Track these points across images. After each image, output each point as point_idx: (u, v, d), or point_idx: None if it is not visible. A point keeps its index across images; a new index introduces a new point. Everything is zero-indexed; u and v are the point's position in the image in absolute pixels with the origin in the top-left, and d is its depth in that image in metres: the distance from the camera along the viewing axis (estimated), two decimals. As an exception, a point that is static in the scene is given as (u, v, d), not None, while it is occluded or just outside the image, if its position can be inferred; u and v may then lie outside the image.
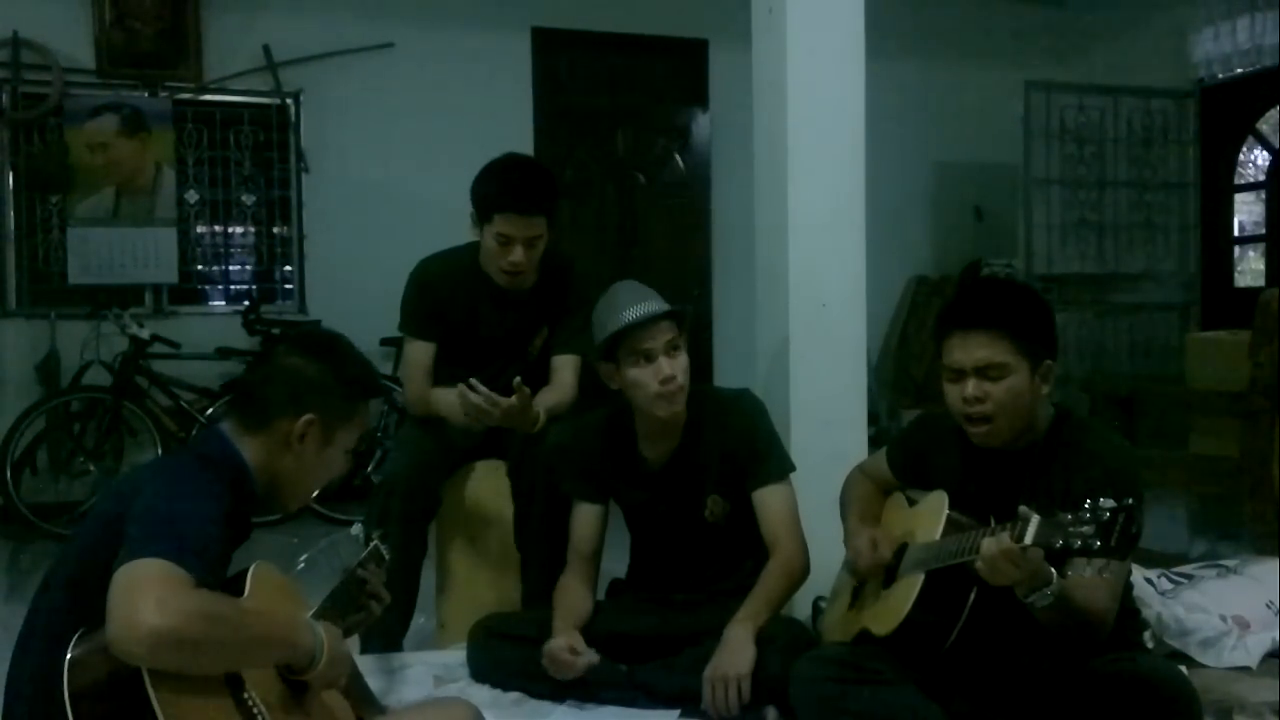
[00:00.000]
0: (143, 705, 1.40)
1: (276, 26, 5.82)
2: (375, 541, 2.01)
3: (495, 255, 2.86)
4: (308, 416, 1.75)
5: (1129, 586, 2.20)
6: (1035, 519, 1.75)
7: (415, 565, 2.88)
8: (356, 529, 2.12)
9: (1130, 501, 1.66)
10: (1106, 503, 1.66)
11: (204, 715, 1.46)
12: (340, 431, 1.81)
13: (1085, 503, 1.68)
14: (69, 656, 1.45)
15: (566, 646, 2.44)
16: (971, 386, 2.04)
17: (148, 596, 1.38)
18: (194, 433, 5.21)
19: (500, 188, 2.85)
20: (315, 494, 1.89)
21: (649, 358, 2.46)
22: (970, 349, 2.04)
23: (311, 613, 1.76)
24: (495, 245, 2.85)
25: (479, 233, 2.90)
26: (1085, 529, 1.66)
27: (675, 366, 2.47)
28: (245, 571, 1.66)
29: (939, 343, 2.12)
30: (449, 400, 2.85)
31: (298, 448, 1.76)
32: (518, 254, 2.84)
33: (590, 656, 2.45)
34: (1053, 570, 1.83)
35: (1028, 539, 1.75)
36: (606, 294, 2.55)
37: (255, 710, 1.52)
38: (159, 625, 1.37)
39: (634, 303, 2.46)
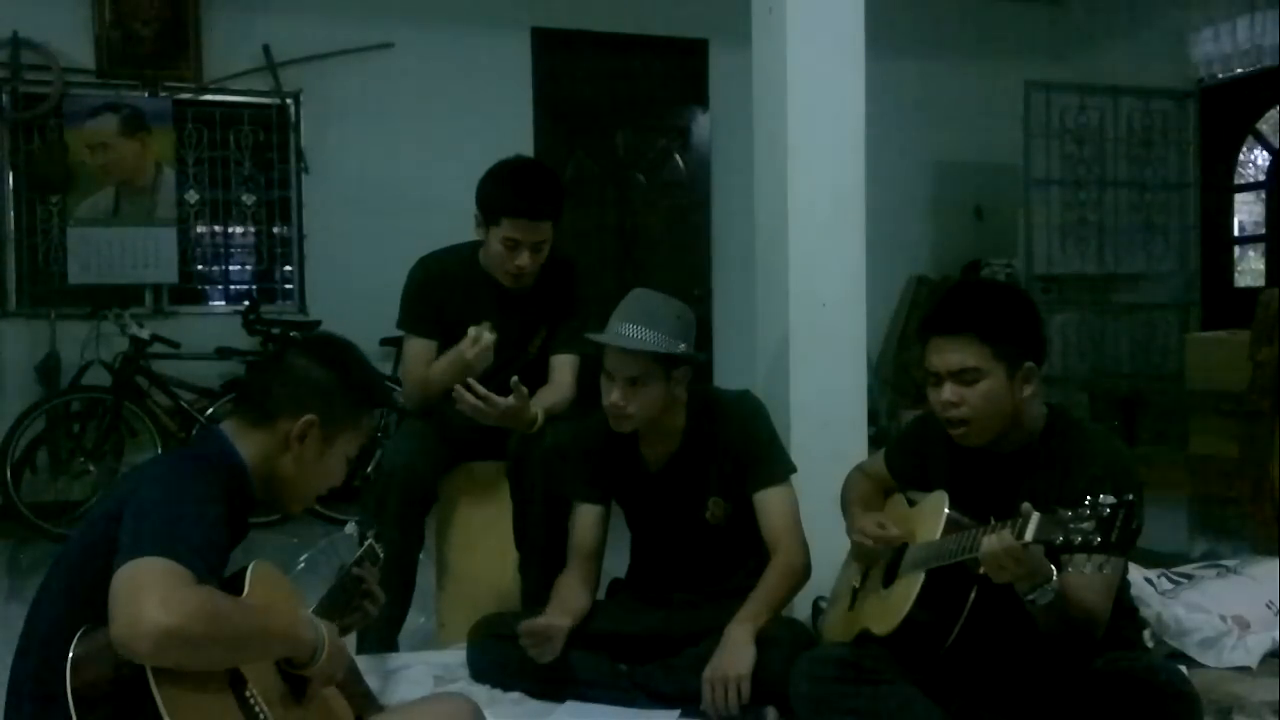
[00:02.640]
0: (146, 703, 1.40)
1: (276, 26, 5.83)
2: (370, 540, 2.02)
3: (502, 259, 2.87)
4: (308, 417, 1.75)
5: (1126, 585, 2.20)
6: (1036, 516, 1.76)
7: (411, 558, 2.87)
8: (351, 527, 2.12)
9: (1130, 497, 1.67)
10: (1106, 499, 1.66)
11: (206, 712, 1.46)
12: (341, 437, 1.82)
13: (1085, 499, 1.68)
14: (71, 655, 1.45)
15: (543, 622, 2.44)
16: (947, 391, 2.05)
17: (151, 594, 1.38)
18: (194, 433, 5.21)
19: (509, 192, 2.85)
20: (314, 499, 1.90)
21: (609, 377, 2.48)
22: (944, 354, 2.05)
23: (312, 609, 1.76)
24: (502, 249, 2.85)
25: (484, 234, 2.90)
26: (1086, 525, 1.67)
27: (625, 398, 2.45)
28: (244, 570, 1.67)
29: (922, 347, 2.13)
30: (445, 365, 2.86)
31: (296, 448, 1.76)
32: (524, 258, 2.84)
33: (561, 623, 2.44)
34: (1053, 567, 1.83)
35: (1028, 536, 1.76)
36: (634, 292, 2.55)
37: (257, 707, 1.52)
38: (164, 623, 1.37)
39: (632, 321, 2.45)
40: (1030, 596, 1.84)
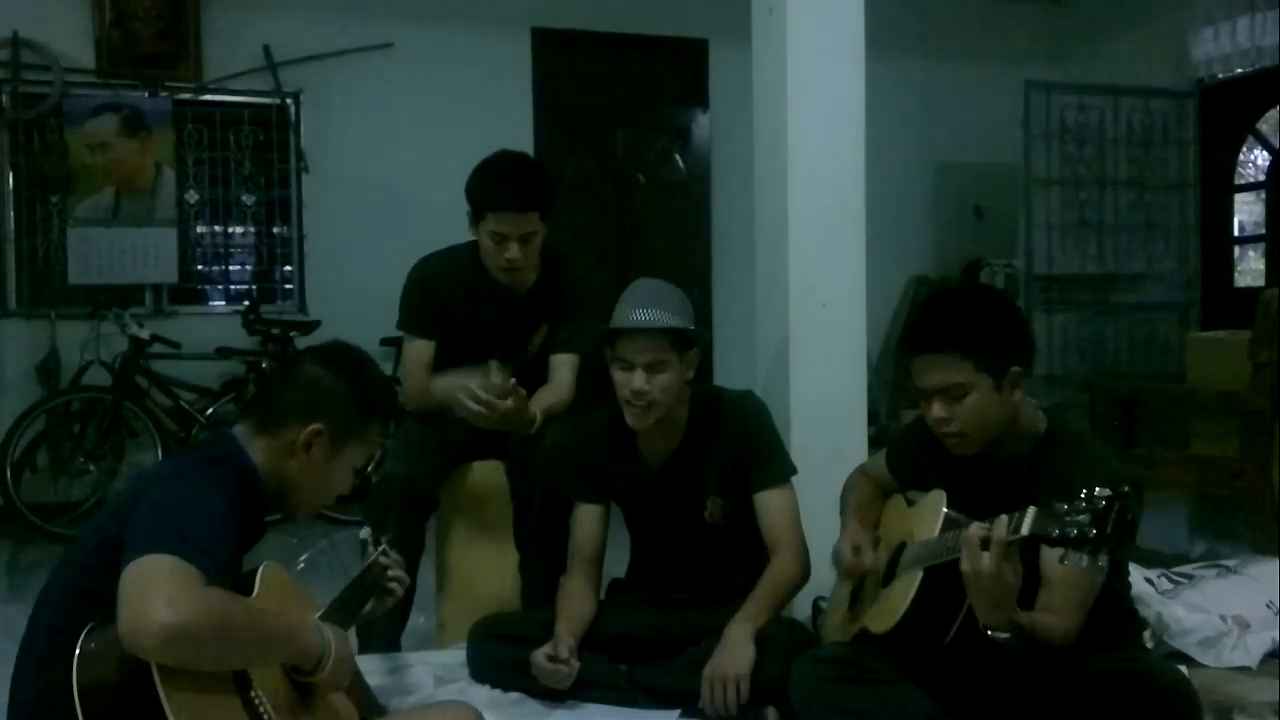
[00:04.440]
0: (151, 701, 1.41)
1: (276, 26, 5.83)
2: (384, 545, 2.04)
3: (491, 253, 2.87)
4: (315, 426, 1.77)
5: (1127, 586, 2.20)
6: (1032, 509, 1.75)
7: (413, 563, 2.86)
8: (365, 532, 2.14)
9: (1126, 490, 1.66)
10: (1102, 492, 1.65)
11: (212, 713, 1.47)
12: (349, 446, 1.83)
13: (1081, 492, 1.68)
14: (78, 652, 1.45)
15: (545, 654, 2.43)
16: (936, 408, 2.05)
17: (159, 592, 1.39)
18: (194, 433, 5.22)
19: (492, 185, 2.85)
20: (321, 506, 1.91)
21: (627, 366, 2.46)
22: (927, 373, 2.04)
23: (319, 614, 1.77)
24: (491, 243, 2.85)
25: (475, 231, 2.90)
26: (1082, 518, 1.65)
27: (650, 384, 2.44)
28: (254, 572, 1.68)
29: (907, 365, 2.13)
30: (450, 386, 2.86)
31: (303, 456, 1.77)
32: (513, 251, 2.84)
33: (573, 664, 2.43)
34: (1020, 574, 1.81)
35: (1025, 529, 1.75)
36: (634, 283, 2.55)
37: (262, 710, 1.53)
38: (171, 620, 1.37)
39: (641, 305, 2.45)
40: (993, 633, 1.82)
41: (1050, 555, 1.82)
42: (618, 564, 2.79)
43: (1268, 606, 2.80)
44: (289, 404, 1.78)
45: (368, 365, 1.91)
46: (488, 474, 3.04)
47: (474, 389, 2.74)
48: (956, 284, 6.81)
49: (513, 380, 2.74)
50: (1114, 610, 2.04)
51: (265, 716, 1.53)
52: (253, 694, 1.53)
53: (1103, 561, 1.66)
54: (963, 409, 2.02)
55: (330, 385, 1.80)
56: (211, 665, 1.47)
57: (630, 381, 2.45)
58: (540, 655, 2.43)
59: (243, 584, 1.64)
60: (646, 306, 2.45)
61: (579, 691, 2.49)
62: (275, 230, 6.04)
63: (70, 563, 1.65)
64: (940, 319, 2.08)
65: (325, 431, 1.78)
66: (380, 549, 2.03)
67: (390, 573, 2.00)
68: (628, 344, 2.45)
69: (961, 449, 2.08)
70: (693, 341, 2.50)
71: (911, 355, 2.08)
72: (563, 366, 2.99)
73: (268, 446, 1.77)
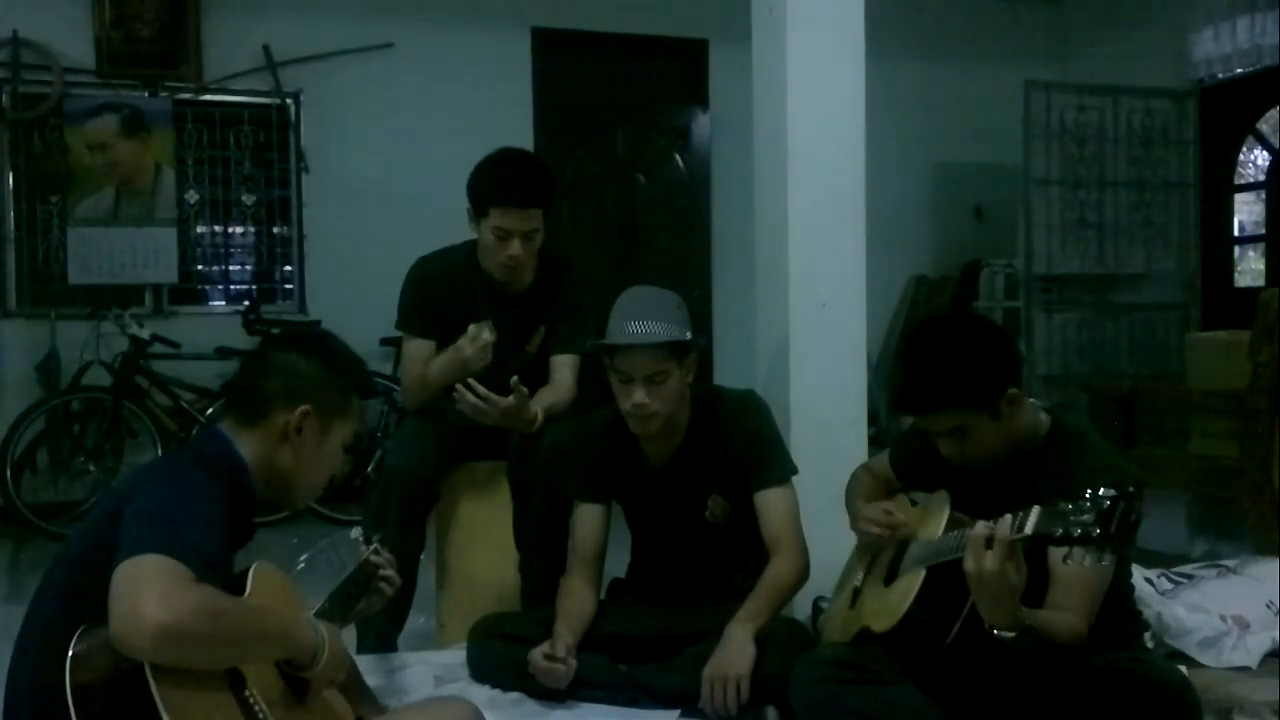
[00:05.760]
0: (145, 701, 1.40)
1: (276, 26, 5.83)
2: (375, 544, 2.04)
3: (493, 249, 2.87)
4: (303, 408, 1.77)
5: (1130, 588, 2.20)
6: (1036, 508, 1.75)
7: (412, 560, 2.87)
8: (356, 532, 2.14)
9: (1131, 489, 1.66)
10: (1107, 491, 1.65)
11: (206, 712, 1.46)
12: (336, 424, 1.83)
13: (1085, 492, 1.68)
14: (71, 653, 1.45)
15: (543, 652, 2.43)
16: (944, 446, 2.09)
17: (151, 591, 1.39)
18: (194, 433, 5.22)
19: (495, 181, 2.85)
20: (321, 490, 1.91)
21: (627, 379, 2.46)
22: (930, 424, 2.09)
23: (314, 611, 1.77)
24: (492, 239, 2.85)
25: (476, 228, 2.90)
26: (1086, 517, 1.65)
27: (650, 397, 2.44)
28: (246, 571, 1.67)
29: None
30: (442, 361, 2.88)
31: (295, 440, 1.77)
32: (515, 247, 2.84)
33: (570, 663, 2.43)
34: (1025, 573, 1.81)
35: (1029, 528, 1.75)
36: (627, 292, 2.54)
37: (256, 707, 1.52)
38: (163, 619, 1.37)
39: (636, 318, 2.44)
40: (999, 633, 1.82)
41: (1056, 554, 1.82)
42: (618, 564, 2.80)
43: (1268, 606, 2.80)
44: (270, 392, 1.78)
45: (337, 343, 1.92)
46: (488, 474, 3.04)
47: (474, 383, 2.74)
48: (953, 287, 6.82)
49: (515, 378, 2.74)
50: (1116, 611, 2.04)
51: (260, 714, 1.52)
52: (247, 692, 1.52)
53: (1106, 561, 1.66)
54: (969, 445, 2.06)
55: (306, 367, 1.81)
56: (205, 664, 1.47)
57: (631, 395, 2.45)
58: (538, 654, 2.43)
59: (235, 583, 1.64)
60: (641, 319, 2.43)
61: (579, 691, 2.49)
62: (275, 230, 6.04)
63: (62, 563, 1.65)
64: (923, 380, 2.06)
65: (313, 412, 1.78)
66: (372, 548, 2.03)
67: (381, 572, 2.00)
68: (625, 358, 2.45)
69: (977, 466, 2.11)
70: (691, 347, 2.50)
71: (908, 412, 2.12)
72: (563, 367, 2.99)
73: (257, 438, 1.77)
